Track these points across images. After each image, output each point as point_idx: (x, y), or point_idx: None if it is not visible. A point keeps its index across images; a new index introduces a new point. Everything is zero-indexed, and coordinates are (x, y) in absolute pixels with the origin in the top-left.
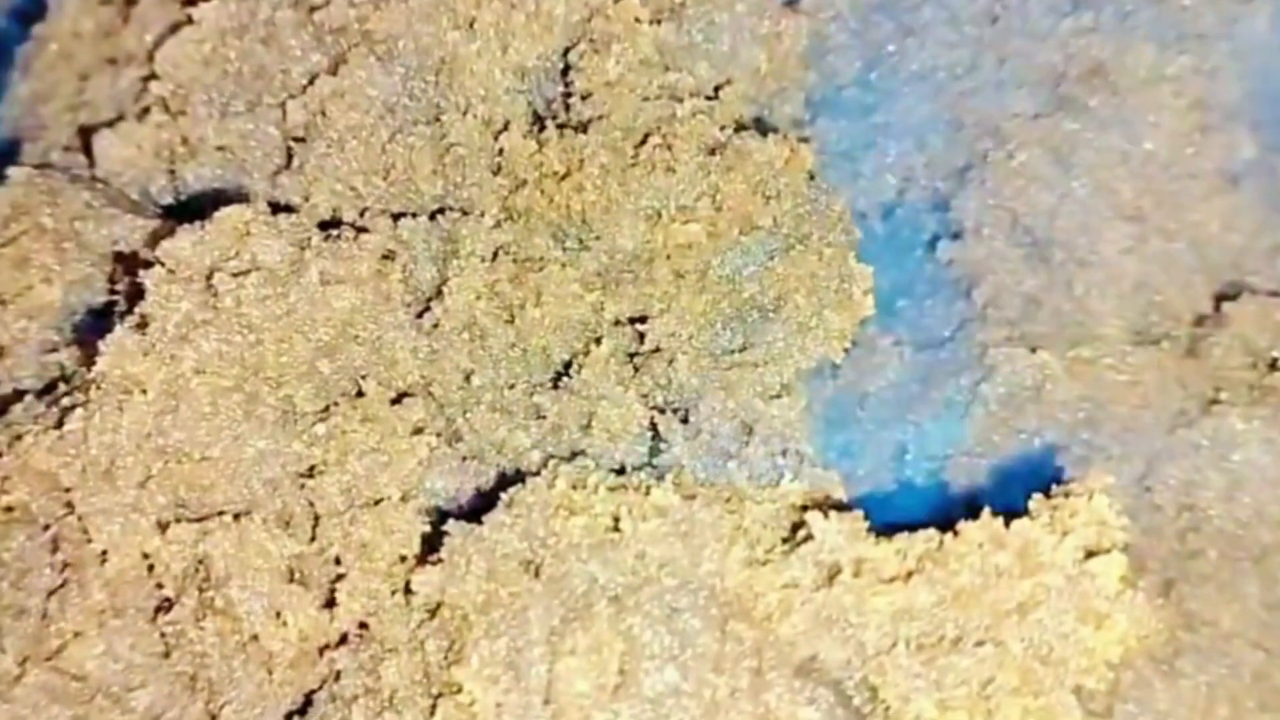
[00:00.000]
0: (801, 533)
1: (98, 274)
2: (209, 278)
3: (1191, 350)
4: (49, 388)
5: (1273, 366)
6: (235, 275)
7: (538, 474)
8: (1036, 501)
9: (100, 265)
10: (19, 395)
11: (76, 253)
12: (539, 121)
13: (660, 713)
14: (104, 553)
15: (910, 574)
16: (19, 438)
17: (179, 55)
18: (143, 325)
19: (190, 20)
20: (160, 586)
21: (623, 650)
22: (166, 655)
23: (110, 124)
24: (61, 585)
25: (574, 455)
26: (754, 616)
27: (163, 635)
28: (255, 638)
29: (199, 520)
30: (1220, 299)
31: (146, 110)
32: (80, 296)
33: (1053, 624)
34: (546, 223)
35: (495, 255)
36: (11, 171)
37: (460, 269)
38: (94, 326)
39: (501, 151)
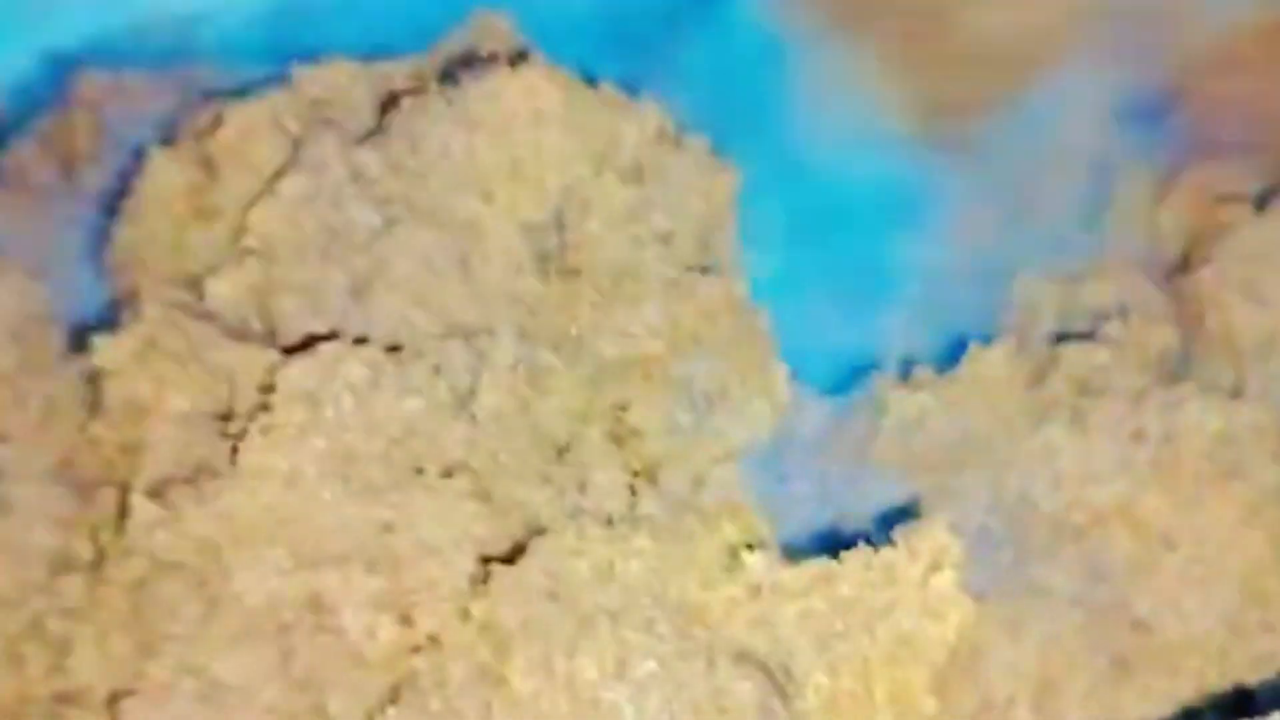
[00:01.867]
0: (737, 563)
1: (222, 391)
2: (314, 396)
3: (1038, 373)
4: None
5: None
6: (333, 393)
7: (552, 528)
8: (899, 533)
9: (218, 385)
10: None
11: (200, 374)
12: (543, 264)
13: (645, 689)
14: (240, 592)
15: (810, 590)
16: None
17: (267, 216)
18: (267, 430)
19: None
20: (281, 616)
21: (618, 650)
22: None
23: (211, 269)
24: (205, 614)
25: (576, 512)
26: (706, 623)
27: (282, 650)
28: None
29: (312, 567)
30: None
31: (241, 257)
32: (206, 410)
33: (907, 620)
34: (551, 342)
35: (514, 365)
36: (145, 305)
37: (489, 377)
38: (222, 431)
39: (516, 290)
